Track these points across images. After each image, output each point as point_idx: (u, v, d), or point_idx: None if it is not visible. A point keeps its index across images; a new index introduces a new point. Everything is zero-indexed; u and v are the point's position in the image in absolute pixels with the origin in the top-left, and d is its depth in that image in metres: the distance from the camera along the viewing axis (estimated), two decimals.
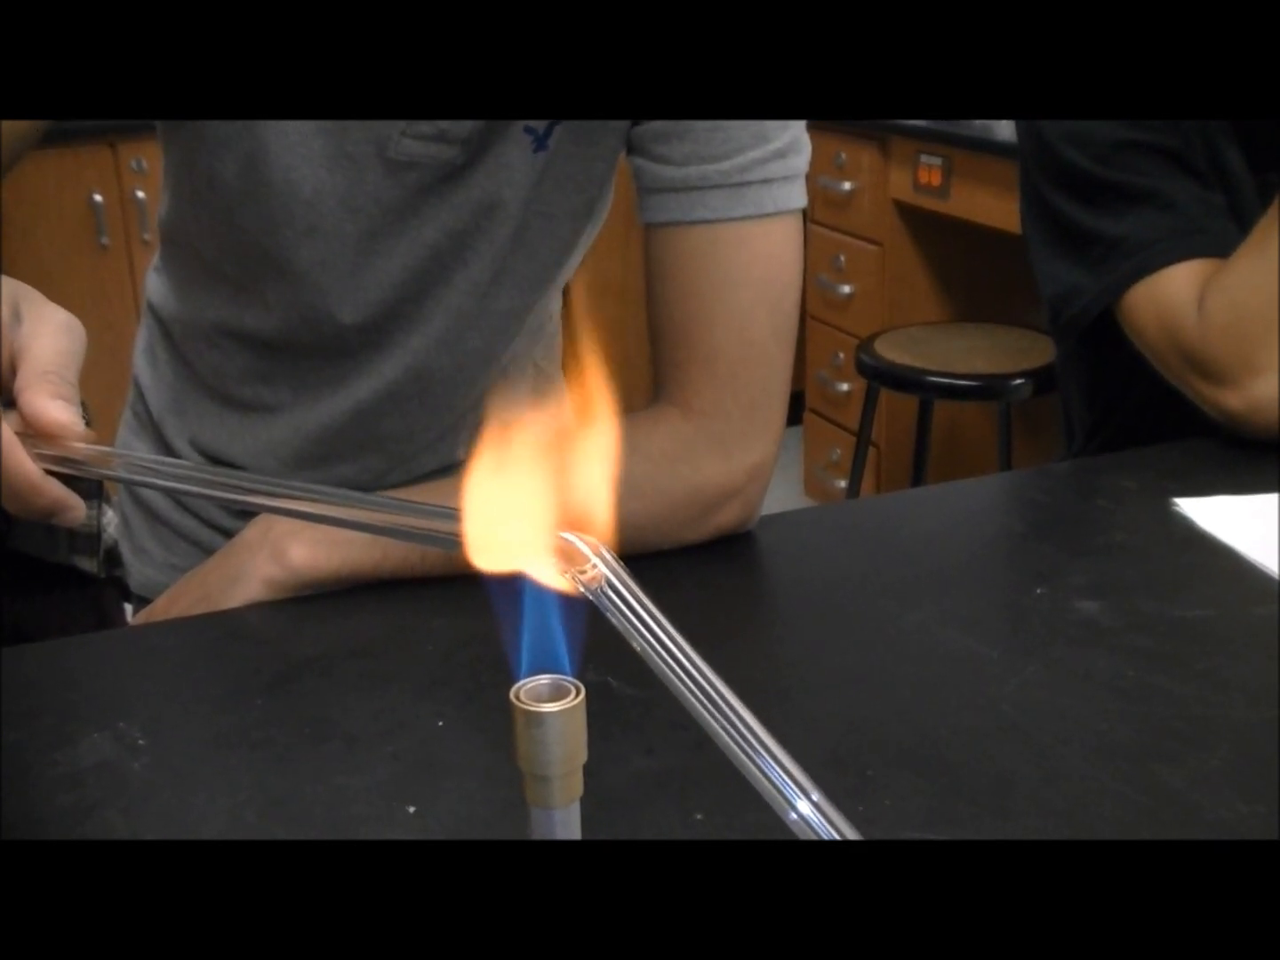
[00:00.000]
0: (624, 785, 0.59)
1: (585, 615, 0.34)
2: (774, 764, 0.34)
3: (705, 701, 0.34)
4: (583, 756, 0.34)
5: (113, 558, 1.01)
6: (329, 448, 0.93)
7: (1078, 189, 1.06)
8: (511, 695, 0.33)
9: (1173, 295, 1.01)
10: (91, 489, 1.04)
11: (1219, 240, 1.02)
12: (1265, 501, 0.87)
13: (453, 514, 0.37)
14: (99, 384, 0.97)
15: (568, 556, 0.34)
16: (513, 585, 0.33)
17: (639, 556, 0.81)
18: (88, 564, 0.98)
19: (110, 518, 1.00)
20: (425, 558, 0.78)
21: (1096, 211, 1.05)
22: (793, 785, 0.34)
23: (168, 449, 0.98)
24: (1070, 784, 0.59)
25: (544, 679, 0.34)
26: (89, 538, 0.98)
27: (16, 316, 0.58)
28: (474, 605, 0.75)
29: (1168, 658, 0.69)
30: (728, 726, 0.34)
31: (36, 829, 0.57)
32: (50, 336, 0.58)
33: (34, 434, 0.56)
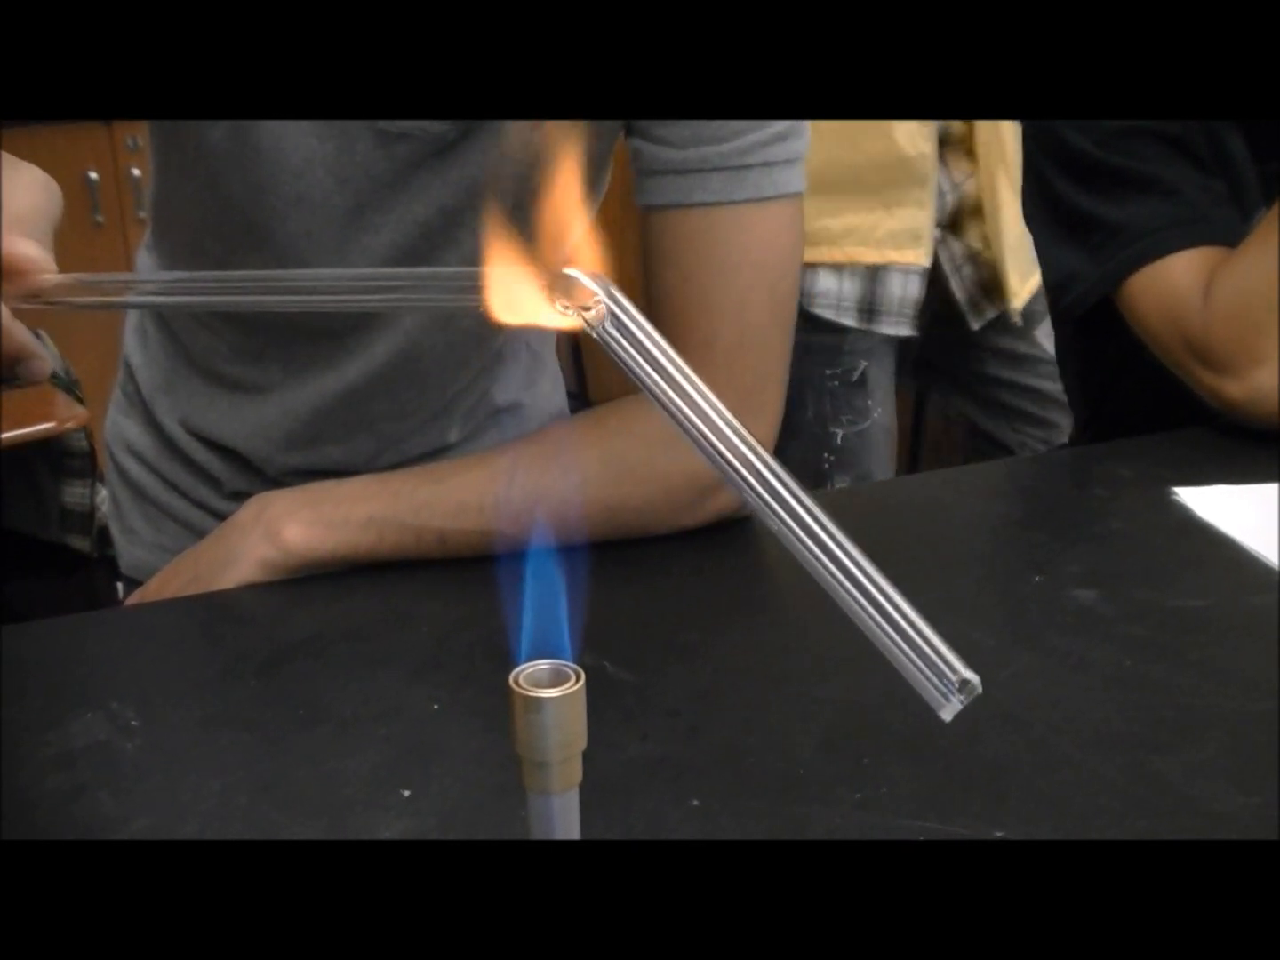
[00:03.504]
0: (619, 772, 0.59)
1: (585, 599, 0.34)
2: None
3: (711, 436, 0.34)
4: (582, 743, 0.34)
5: (105, 537, 1.00)
6: (320, 429, 0.92)
7: (1080, 174, 1.06)
8: (511, 680, 0.33)
9: (1175, 283, 1.00)
10: (85, 469, 1.03)
11: (1221, 228, 1.01)
12: (1263, 491, 0.87)
13: (466, 273, 0.37)
14: (91, 363, 0.96)
15: (570, 293, 0.33)
16: (516, 569, 0.33)
17: (636, 540, 0.81)
18: (80, 543, 0.97)
19: (103, 497, 0.99)
20: (420, 540, 0.78)
21: (1098, 197, 1.05)
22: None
23: (158, 429, 0.97)
24: (1064, 773, 0.59)
25: (543, 664, 0.33)
26: (82, 516, 0.98)
27: None
28: (469, 588, 0.75)
29: (1164, 647, 0.69)
30: (747, 477, 0.34)
31: (27, 809, 0.57)
32: (25, 190, 0.58)
33: (5, 273, 0.55)
